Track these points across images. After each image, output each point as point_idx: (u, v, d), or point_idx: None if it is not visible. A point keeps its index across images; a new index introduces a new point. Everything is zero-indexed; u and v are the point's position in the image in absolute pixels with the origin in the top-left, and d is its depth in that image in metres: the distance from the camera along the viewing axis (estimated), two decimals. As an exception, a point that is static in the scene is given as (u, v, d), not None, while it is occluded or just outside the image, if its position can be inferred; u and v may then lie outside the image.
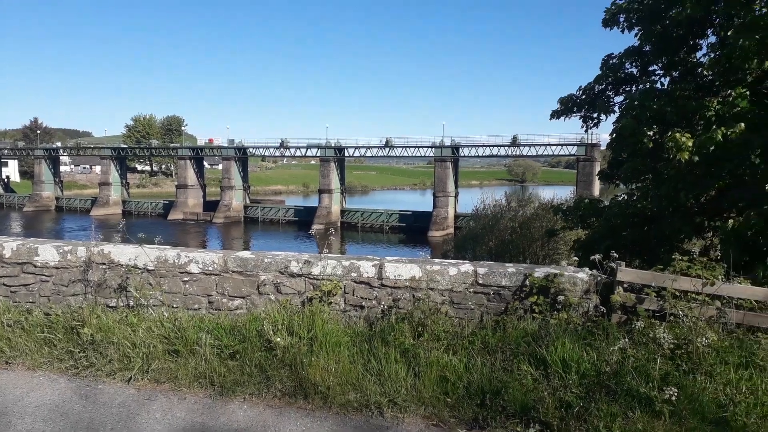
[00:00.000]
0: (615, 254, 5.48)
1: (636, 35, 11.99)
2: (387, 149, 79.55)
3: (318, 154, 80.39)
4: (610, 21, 12.39)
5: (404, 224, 73.80)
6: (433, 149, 75.03)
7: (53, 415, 4.25)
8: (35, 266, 6.17)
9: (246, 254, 5.99)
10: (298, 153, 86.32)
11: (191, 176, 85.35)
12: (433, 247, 58.29)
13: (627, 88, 13.02)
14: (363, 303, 5.64)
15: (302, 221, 76.98)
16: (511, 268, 5.60)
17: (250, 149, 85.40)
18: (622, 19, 12.20)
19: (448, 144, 73.78)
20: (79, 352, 5.07)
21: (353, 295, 5.70)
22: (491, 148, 74.39)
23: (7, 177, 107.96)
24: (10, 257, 6.22)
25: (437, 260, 5.86)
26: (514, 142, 72.41)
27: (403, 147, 79.03)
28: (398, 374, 4.48)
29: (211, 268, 5.88)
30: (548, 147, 72.43)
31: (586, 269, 5.62)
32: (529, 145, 72.74)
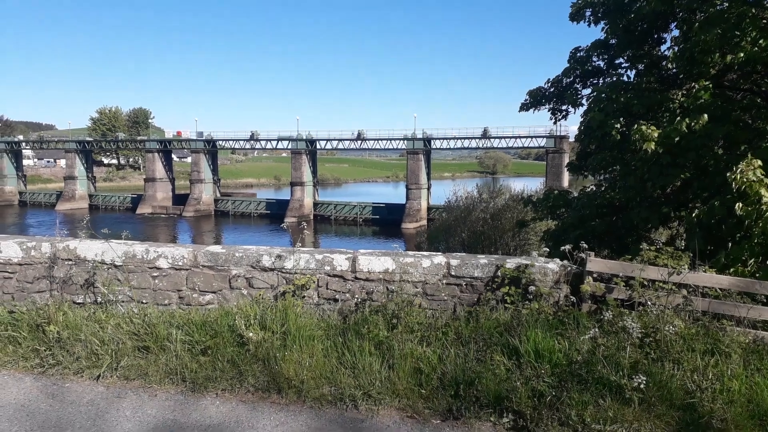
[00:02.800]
0: (584, 245, 5.56)
1: (602, 29, 12.17)
2: (359, 141, 79.31)
3: (289, 147, 79.69)
4: (576, 15, 12.54)
5: (378, 217, 73.81)
6: (406, 141, 75.10)
7: (19, 415, 4.13)
8: (-3, 263, 5.98)
9: (217, 248, 5.91)
10: (269, 145, 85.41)
11: (159, 169, 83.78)
12: (406, 239, 58.50)
13: (594, 81, 13.22)
14: (337, 296, 5.62)
15: (274, 214, 76.36)
16: (483, 259, 5.64)
17: (220, 142, 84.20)
18: (588, 14, 12.37)
19: (420, 136, 73.92)
20: (45, 351, 4.94)
21: (327, 288, 5.68)
22: (463, 140, 74.81)
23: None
24: (-29, 254, 6.02)
25: (410, 252, 5.87)
26: (485, 135, 72.95)
27: (375, 139, 78.90)
28: (372, 367, 4.48)
29: (180, 263, 5.78)
30: (518, 139, 73.21)
31: (557, 260, 5.70)
32: (500, 138, 73.39)
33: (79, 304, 5.72)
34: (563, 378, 4.23)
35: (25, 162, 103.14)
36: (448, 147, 79.03)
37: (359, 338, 4.79)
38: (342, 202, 79.74)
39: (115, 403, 4.32)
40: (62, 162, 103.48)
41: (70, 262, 5.85)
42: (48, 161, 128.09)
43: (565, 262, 5.61)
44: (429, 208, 70.14)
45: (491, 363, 4.47)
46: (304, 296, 5.61)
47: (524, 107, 14.36)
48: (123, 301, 5.61)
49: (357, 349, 4.65)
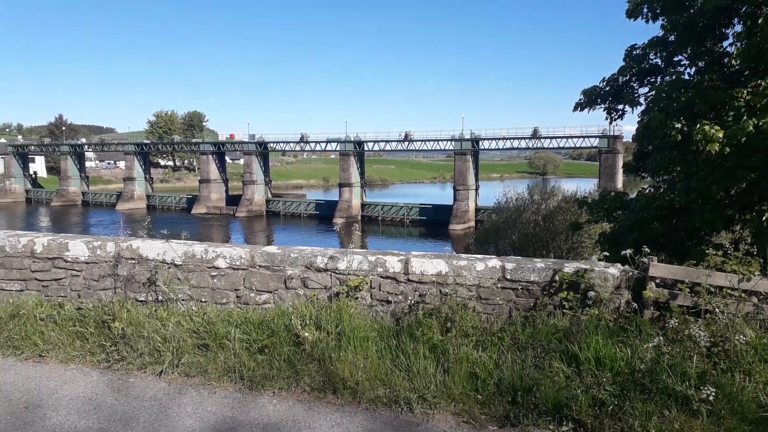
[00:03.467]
0: (646, 249, 5.36)
1: (661, 25, 11.76)
2: (406, 143, 79.31)
3: (338, 149, 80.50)
4: (633, 11, 12.17)
5: (425, 217, 73.62)
6: (453, 142, 74.62)
7: (87, 408, 4.31)
8: (66, 261, 6.27)
9: (273, 249, 6.01)
10: (318, 147, 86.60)
11: (213, 171, 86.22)
12: (454, 240, 58.10)
13: (651, 80, 12.79)
14: (389, 298, 5.62)
15: (323, 215, 77.33)
16: (540, 263, 5.52)
17: (271, 144, 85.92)
18: (645, 10, 11.98)
19: (468, 137, 73.29)
20: (110, 346, 5.14)
21: (379, 290, 5.68)
22: (512, 140, 73.73)
23: (35, 173, 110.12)
24: (42, 252, 6.33)
25: (464, 255, 5.82)
26: (535, 135, 71.67)
27: (422, 140, 78.74)
28: (427, 370, 4.45)
29: (238, 263, 5.91)
30: (570, 139, 71.60)
31: (618, 264, 5.52)
32: (551, 138, 71.95)
33: (141, 301, 5.92)
34: (625, 387, 4.09)
35: (87, 164, 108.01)
36: (496, 147, 78.06)
37: (413, 341, 4.77)
38: (389, 203, 79.94)
39: (177, 398, 4.45)
40: (122, 164, 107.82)
41: (133, 261, 6.07)
42: (108, 163, 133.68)
43: (626, 266, 5.43)
44: (477, 210, 69.44)
45: (550, 370, 4.37)
46: (357, 297, 5.63)
47: (579, 107, 14.02)
48: (183, 300, 5.78)
49: (411, 351, 4.63)
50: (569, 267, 5.37)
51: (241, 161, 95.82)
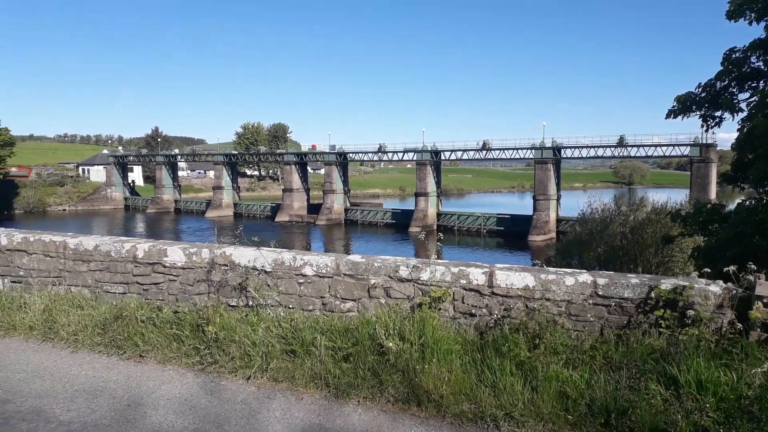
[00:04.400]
0: (752, 266, 4.99)
1: (765, 26, 10.99)
2: (484, 151, 78.38)
3: (414, 158, 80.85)
4: (735, 13, 11.45)
5: (502, 228, 72.27)
6: (533, 151, 72.93)
7: (183, 408, 4.54)
8: (164, 266, 6.64)
9: (357, 258, 6.09)
10: (395, 157, 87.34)
11: (296, 180, 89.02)
12: (533, 252, 56.61)
13: (753, 84, 11.97)
14: (473, 311, 5.54)
15: (399, 224, 77.77)
16: (634, 278, 5.26)
17: (350, 154, 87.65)
18: (748, 11, 11.24)
19: (549, 145, 71.37)
20: (204, 349, 5.38)
21: (462, 302, 5.61)
22: (596, 149, 71.07)
23: (133, 181, 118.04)
24: (143, 258, 6.75)
25: (552, 269, 5.64)
26: (621, 143, 68.71)
27: (500, 149, 77.53)
28: (514, 387, 4.34)
29: (324, 271, 6.03)
30: (658, 148, 68.16)
31: (719, 282, 5.16)
32: (637, 146, 68.75)
33: (232, 306, 6.17)
34: (730, 414, 3.81)
35: (180, 173, 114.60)
36: (579, 156, 75.53)
37: (499, 356, 4.67)
38: (465, 213, 79.18)
39: (266, 403, 4.59)
40: (211, 173, 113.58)
41: (226, 267, 6.35)
42: (199, 172, 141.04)
43: (729, 284, 5.06)
44: (558, 220, 67.38)
45: (646, 392, 4.14)
46: (439, 309, 5.59)
47: (672, 114, 13.33)
48: (272, 306, 5.97)
49: (497, 367, 4.54)
50: (666, 283, 5.08)
51: (322, 171, 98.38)
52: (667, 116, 13.37)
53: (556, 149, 71.39)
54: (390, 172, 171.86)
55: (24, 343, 6.07)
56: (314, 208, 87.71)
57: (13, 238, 7.27)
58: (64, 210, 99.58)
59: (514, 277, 5.44)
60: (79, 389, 4.89)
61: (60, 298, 6.68)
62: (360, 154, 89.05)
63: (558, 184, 71.85)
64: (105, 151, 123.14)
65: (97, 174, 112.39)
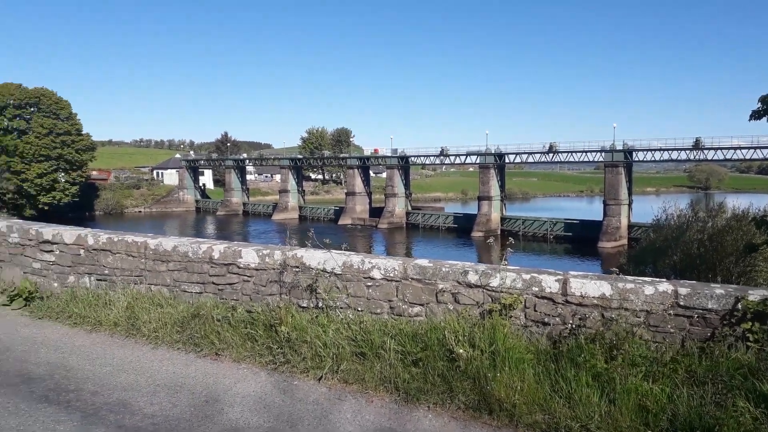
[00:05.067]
0: None
1: None
2: (550, 154, 76.51)
3: (477, 161, 79.92)
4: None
5: (570, 233, 70.18)
6: (603, 153, 70.50)
7: (258, 407, 4.66)
8: (239, 267, 6.85)
9: (424, 262, 6.07)
10: (457, 160, 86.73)
11: (359, 184, 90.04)
12: (603, 259, 54.74)
13: None
14: (546, 319, 5.40)
15: (461, 228, 77.08)
16: (719, 289, 4.98)
17: (412, 158, 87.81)
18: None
19: (620, 147, 68.81)
20: (277, 349, 5.52)
21: (534, 310, 5.48)
22: (669, 152, 67.94)
23: (204, 185, 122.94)
24: (218, 258, 6.99)
25: (630, 277, 5.42)
26: (697, 146, 65.36)
27: (568, 152, 75.46)
28: (590, 399, 4.20)
29: (392, 275, 6.05)
30: (737, 150, 64.35)
31: (816, 294, 4.80)
32: (715, 149, 65.18)
33: (303, 307, 6.30)
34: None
35: (248, 177, 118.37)
36: (652, 159, 72.47)
37: (574, 367, 4.53)
38: (531, 217, 77.51)
39: (337, 404, 4.65)
40: (277, 177, 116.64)
41: (297, 269, 6.48)
42: (266, 176, 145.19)
43: (828, 297, 4.70)
44: (630, 226, 64.84)
45: (733, 409, 3.90)
46: (510, 316, 5.48)
47: (756, 115, 12.53)
48: (341, 308, 6.05)
49: (572, 378, 4.40)
50: (755, 295, 4.78)
51: (384, 174, 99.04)
52: (751, 118, 12.57)
53: (628, 152, 68.77)
54: (452, 175, 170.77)
55: (109, 338, 6.42)
56: (376, 212, 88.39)
57: (99, 238, 7.72)
58: (140, 211, 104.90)
59: (590, 285, 5.26)
60: (161, 384, 5.12)
61: (141, 296, 7.03)
62: (422, 158, 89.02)
63: (629, 189, 69.20)
64: (177, 156, 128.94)
65: (170, 177, 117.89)
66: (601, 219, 67.44)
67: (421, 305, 5.93)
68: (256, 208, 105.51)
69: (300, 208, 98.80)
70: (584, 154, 73.92)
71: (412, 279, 5.98)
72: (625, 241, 62.84)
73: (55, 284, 8.03)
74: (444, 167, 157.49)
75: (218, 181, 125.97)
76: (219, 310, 6.38)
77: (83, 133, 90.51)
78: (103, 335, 6.51)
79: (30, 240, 8.33)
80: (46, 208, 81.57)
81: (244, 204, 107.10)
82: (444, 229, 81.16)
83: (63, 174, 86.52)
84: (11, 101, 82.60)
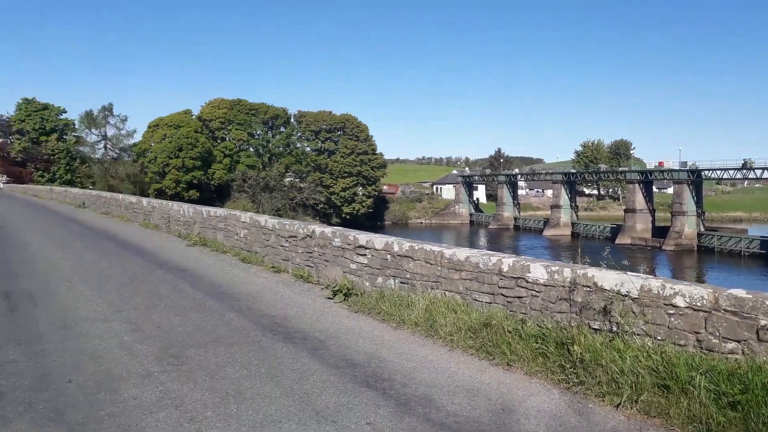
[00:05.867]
0: None
1: None
2: None
3: (799, 176, 66.10)
4: None
5: None
6: None
7: (553, 424, 4.70)
8: (527, 281, 7.00)
9: (741, 293, 5.35)
10: (765, 174, 72.98)
11: (639, 200, 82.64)
12: None
13: None
14: None
15: (771, 255, 64.57)
16: None
17: (705, 172, 77.01)
18: None
19: None
20: (569, 368, 5.48)
21: None
22: None
23: (477, 199, 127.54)
24: (507, 271, 7.25)
25: None
26: None
27: None
28: None
29: (699, 304, 5.49)
30: None
31: None
32: None
33: (594, 329, 6.12)
34: None
35: (519, 192, 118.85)
36: None
37: None
38: None
39: (638, 435, 4.42)
40: (549, 192, 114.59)
41: (588, 289, 6.34)
42: (537, 191, 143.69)
43: None
44: None
45: None
46: None
47: None
48: (637, 334, 5.72)
49: None
50: None
51: (669, 190, 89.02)
52: None
53: None
54: (756, 192, 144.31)
55: (411, 336, 7.20)
56: (660, 231, 79.72)
57: (403, 246, 8.70)
58: (421, 222, 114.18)
59: None
60: (459, 386, 5.55)
61: (437, 300, 7.70)
62: (717, 172, 77.34)
63: None
64: (454, 172, 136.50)
65: (448, 192, 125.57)
66: None
67: (737, 341, 5.25)
68: (526, 223, 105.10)
69: (572, 224, 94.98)
70: None
71: (725, 311, 5.34)
72: None
73: (367, 283, 9.33)
74: (746, 183, 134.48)
75: (491, 196, 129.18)
76: (509, 322, 6.61)
77: (377, 152, 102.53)
78: (406, 332, 7.31)
79: (348, 244, 9.85)
80: (347, 217, 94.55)
81: (515, 218, 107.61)
82: (747, 255, 69.02)
83: (361, 188, 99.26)
84: (324, 126, 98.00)
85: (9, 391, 5.40)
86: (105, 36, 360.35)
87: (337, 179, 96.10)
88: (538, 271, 6.92)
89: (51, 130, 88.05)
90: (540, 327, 6.34)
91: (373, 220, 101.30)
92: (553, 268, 6.78)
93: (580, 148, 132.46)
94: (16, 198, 51.00)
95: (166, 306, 8.92)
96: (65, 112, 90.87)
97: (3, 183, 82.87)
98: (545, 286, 6.82)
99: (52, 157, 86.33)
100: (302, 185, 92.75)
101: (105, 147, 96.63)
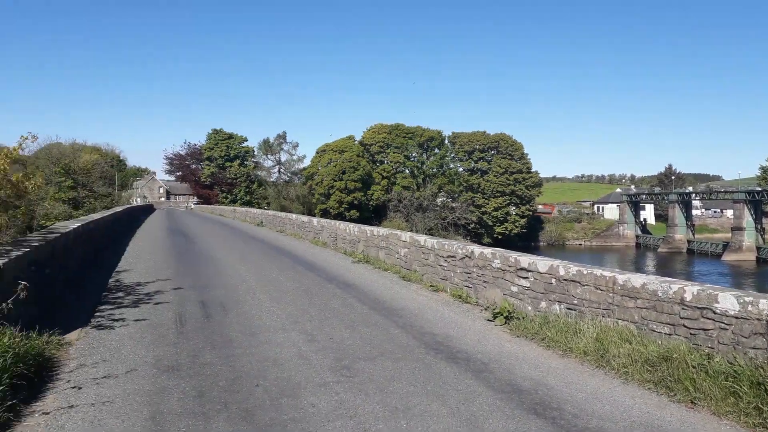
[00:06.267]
0: None
1: None
2: None
3: None
4: None
5: None
6: None
7: (752, 471, 4.24)
8: (714, 312, 6.37)
9: None
10: None
11: None
12: None
13: None
14: None
15: None
16: None
17: None
18: None
19: None
20: (767, 411, 4.90)
21: None
22: None
23: (644, 219, 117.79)
24: (690, 301, 6.66)
25: None
26: None
27: None
28: None
29: None
30: None
31: None
32: None
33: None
34: None
35: (693, 212, 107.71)
36: None
37: None
38: None
39: None
40: (729, 212, 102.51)
41: (791, 325, 5.62)
42: (714, 211, 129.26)
43: None
44: None
45: None
46: None
47: None
48: None
49: None
50: None
51: None
52: None
53: None
54: None
55: (579, 365, 6.90)
56: None
57: (569, 270, 8.40)
58: (580, 244, 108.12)
59: None
60: (636, 421, 5.21)
61: (609, 329, 7.30)
62: None
63: None
64: (618, 190, 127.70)
65: (611, 212, 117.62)
66: None
67: None
68: (702, 247, 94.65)
69: (758, 249, 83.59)
70: None
71: None
72: None
73: (529, 307, 9.14)
74: None
75: (660, 216, 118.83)
76: (693, 356, 6.08)
77: (532, 171, 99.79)
78: (574, 361, 7.03)
79: (509, 266, 9.74)
80: (499, 237, 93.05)
81: (689, 241, 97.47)
82: None
83: (514, 207, 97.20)
84: (477, 146, 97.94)
85: (207, 391, 6.12)
86: (278, 76, 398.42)
87: (489, 199, 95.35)
88: (728, 301, 6.28)
89: (234, 157, 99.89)
90: (731, 364, 5.74)
91: (526, 240, 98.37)
92: (747, 299, 6.11)
93: (766, 164, 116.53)
94: (205, 217, 57.84)
95: (336, 318, 9.53)
96: (246, 140, 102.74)
97: (194, 204, 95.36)
98: (736, 318, 6.16)
99: (234, 181, 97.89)
100: (454, 205, 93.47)
101: (279, 171, 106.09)
